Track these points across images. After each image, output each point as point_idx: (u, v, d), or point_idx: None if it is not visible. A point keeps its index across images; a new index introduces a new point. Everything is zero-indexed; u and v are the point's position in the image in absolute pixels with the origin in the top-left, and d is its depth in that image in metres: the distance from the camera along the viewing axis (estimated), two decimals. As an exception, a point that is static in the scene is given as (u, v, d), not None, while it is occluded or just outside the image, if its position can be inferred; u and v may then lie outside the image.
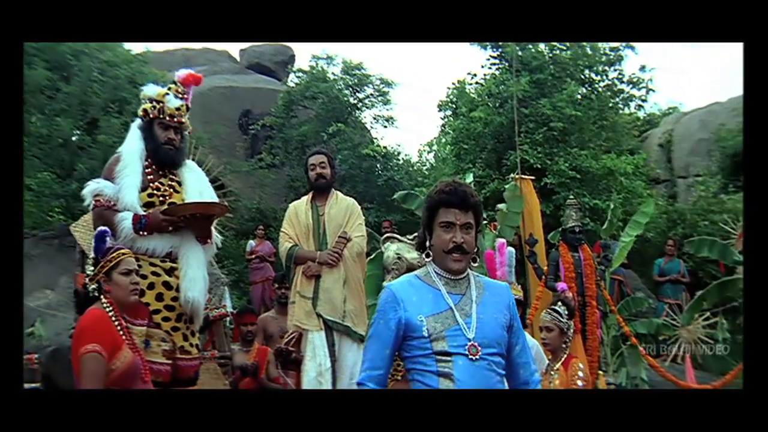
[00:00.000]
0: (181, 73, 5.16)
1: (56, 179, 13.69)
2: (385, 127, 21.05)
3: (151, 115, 4.95)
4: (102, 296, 3.92)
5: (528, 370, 3.15)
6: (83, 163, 13.92)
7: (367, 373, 3.11)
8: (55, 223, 12.29)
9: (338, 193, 6.20)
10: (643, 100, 21.36)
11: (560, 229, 10.11)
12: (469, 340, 2.94)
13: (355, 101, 20.58)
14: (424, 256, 3.16)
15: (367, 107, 20.92)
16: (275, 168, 19.12)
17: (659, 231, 15.98)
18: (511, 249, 6.31)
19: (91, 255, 4.11)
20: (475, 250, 3.10)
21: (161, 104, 4.94)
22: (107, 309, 3.87)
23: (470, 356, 2.93)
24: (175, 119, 4.97)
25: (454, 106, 20.75)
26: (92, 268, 4.00)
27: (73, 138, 14.61)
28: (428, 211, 3.12)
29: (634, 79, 20.17)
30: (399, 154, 20.95)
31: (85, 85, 15.00)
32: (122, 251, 4.02)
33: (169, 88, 5.03)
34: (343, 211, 5.99)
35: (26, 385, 5.78)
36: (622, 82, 20.25)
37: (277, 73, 23.68)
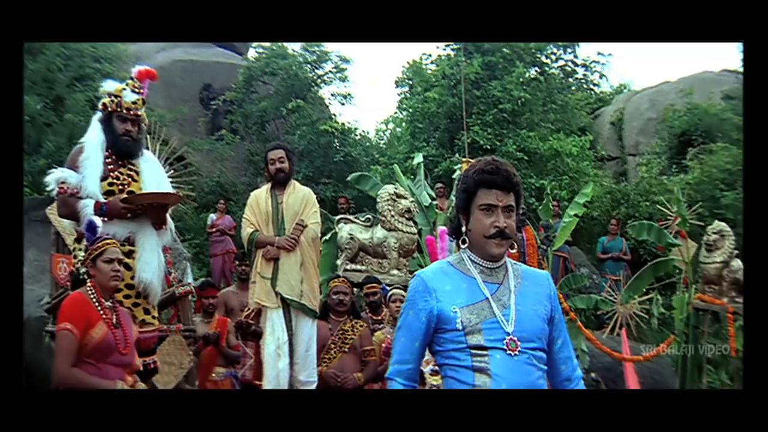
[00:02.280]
0: (137, 69, 5.52)
1: (23, 156, 13.74)
2: (342, 104, 21.24)
3: (109, 109, 5.29)
4: (88, 280, 4.47)
5: (569, 365, 2.89)
6: (50, 141, 14.07)
7: (395, 367, 2.88)
8: (21, 198, 12.35)
9: (296, 182, 6.60)
10: (595, 84, 21.88)
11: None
12: (508, 333, 2.69)
13: (314, 77, 20.72)
14: (459, 242, 2.90)
15: (326, 83, 21.11)
16: (235, 143, 19.33)
17: (604, 210, 16.50)
18: (451, 236, 6.81)
19: (68, 237, 4.60)
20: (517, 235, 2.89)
21: (119, 98, 5.27)
22: (89, 291, 4.41)
23: (508, 351, 2.68)
24: (132, 112, 5.31)
25: (410, 82, 21.08)
26: (83, 254, 4.55)
27: (38, 106, 14.58)
28: (465, 193, 2.82)
29: (588, 63, 20.68)
30: (356, 129, 21.19)
31: (50, 62, 15.08)
32: (107, 241, 4.53)
33: (127, 84, 5.38)
34: (300, 200, 6.41)
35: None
36: (576, 65, 20.73)
37: (238, 47, 23.77)
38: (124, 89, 5.32)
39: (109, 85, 5.40)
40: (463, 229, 2.85)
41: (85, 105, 14.88)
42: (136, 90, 5.38)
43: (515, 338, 2.68)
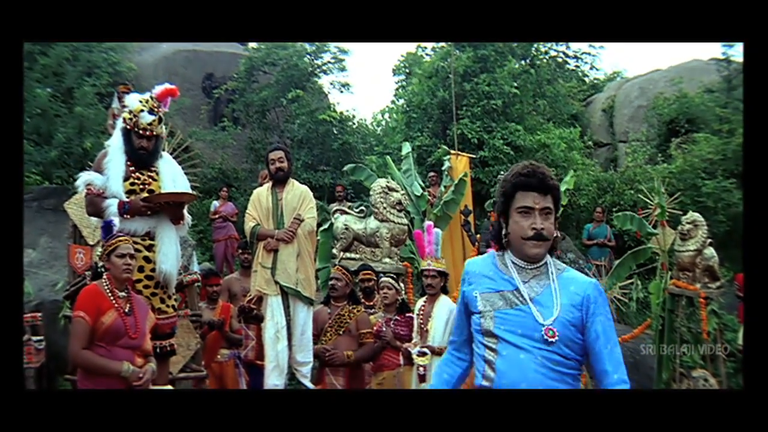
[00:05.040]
0: (158, 89, 5.92)
1: (35, 147, 14.11)
2: (342, 92, 21.55)
3: (128, 126, 5.73)
4: (104, 273, 5.07)
5: (606, 378, 2.74)
6: (60, 132, 14.41)
7: (450, 337, 3.16)
8: (33, 186, 12.69)
9: (294, 181, 7.13)
10: (585, 75, 22.14)
11: (492, 200, 11.23)
12: (542, 325, 2.71)
13: (314, 67, 20.93)
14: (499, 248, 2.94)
15: (325, 73, 21.35)
16: (236, 130, 19.62)
17: (591, 198, 16.87)
18: (438, 230, 7.25)
19: (85, 230, 5.18)
20: (555, 236, 2.82)
21: (136, 119, 5.67)
22: (104, 283, 5.00)
23: (518, 346, 2.72)
24: (147, 132, 5.73)
25: (407, 71, 21.38)
26: (101, 250, 5.16)
27: (47, 92, 14.87)
28: (504, 197, 2.86)
29: (579, 54, 20.96)
30: (354, 117, 21.42)
31: (59, 55, 15.43)
32: (120, 239, 5.11)
33: (146, 104, 5.75)
34: (298, 196, 6.93)
35: (34, 338, 6.67)
36: (568, 56, 20.99)
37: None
38: (142, 110, 5.69)
39: (131, 102, 5.79)
40: (503, 232, 2.89)
41: (93, 98, 15.28)
42: (154, 110, 5.77)
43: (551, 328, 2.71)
